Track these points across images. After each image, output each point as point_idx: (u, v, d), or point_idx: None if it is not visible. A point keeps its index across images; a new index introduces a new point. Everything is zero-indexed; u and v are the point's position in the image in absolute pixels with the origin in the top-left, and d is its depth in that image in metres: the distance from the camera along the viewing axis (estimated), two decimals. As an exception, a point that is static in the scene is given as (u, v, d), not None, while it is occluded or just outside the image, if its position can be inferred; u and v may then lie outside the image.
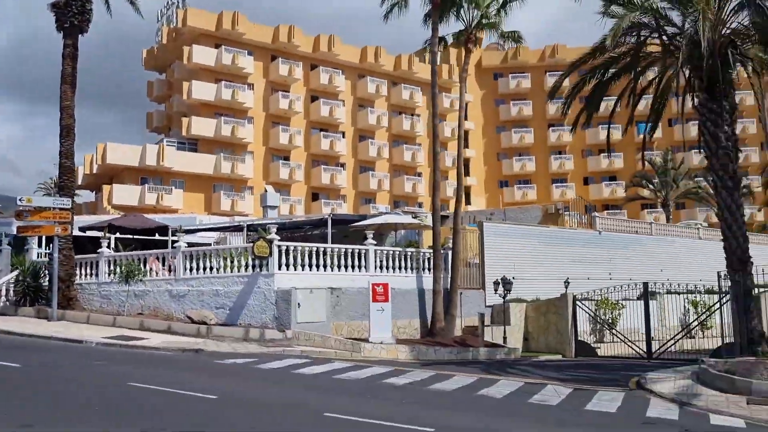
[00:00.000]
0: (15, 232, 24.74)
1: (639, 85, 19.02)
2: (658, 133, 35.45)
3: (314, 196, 56.27)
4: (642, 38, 17.99)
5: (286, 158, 54.83)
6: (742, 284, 15.81)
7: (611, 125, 20.04)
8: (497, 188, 67.61)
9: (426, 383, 14.15)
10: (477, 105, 67.28)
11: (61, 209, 21.85)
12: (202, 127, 50.33)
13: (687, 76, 17.60)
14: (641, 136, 42.29)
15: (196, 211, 44.88)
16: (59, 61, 23.58)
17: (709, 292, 26.41)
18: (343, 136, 58.13)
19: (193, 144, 50.95)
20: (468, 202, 60.56)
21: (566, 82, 22.26)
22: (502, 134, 68.43)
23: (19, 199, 21.51)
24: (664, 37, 17.61)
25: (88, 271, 23.74)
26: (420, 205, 58.56)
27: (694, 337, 25.69)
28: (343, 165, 57.95)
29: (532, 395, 13.11)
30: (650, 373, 16.10)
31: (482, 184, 67.25)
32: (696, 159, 58.78)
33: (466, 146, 60.32)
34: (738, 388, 13.35)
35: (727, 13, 16.68)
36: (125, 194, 46.22)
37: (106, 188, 47.01)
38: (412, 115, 62.52)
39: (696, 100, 17.66)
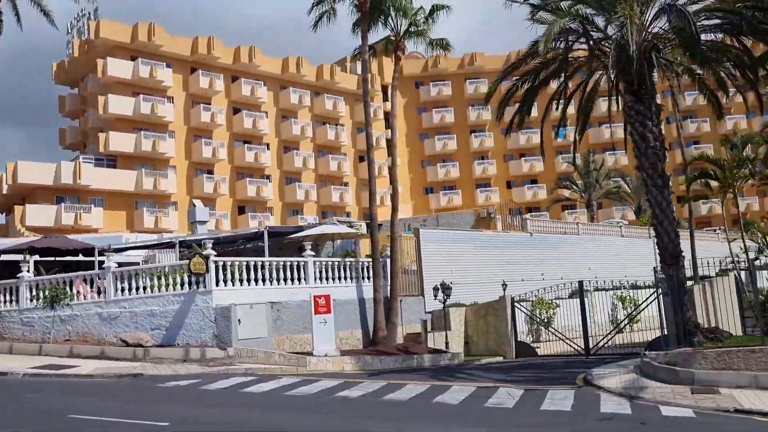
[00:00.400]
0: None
1: (568, 89, 19.54)
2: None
3: (240, 210, 55.19)
4: (570, 43, 18.48)
5: (210, 172, 53.58)
6: (675, 278, 16.41)
7: (532, 130, 20.51)
8: (423, 195, 68.26)
9: (379, 394, 13.95)
10: (400, 113, 67.64)
11: (-24, 233, 20.53)
12: (120, 142, 48.44)
13: (613, 79, 18.21)
14: (560, 140, 43.83)
15: (119, 230, 43.08)
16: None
17: (635, 287, 27.43)
18: (268, 148, 57.32)
19: (111, 160, 48.97)
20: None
21: (487, 87, 22.63)
22: (425, 141, 69.20)
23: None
24: (591, 42, 18.18)
25: (8, 297, 22.38)
26: (348, 215, 58.40)
27: (623, 331, 26.59)
28: (268, 177, 57.15)
29: (488, 399, 13.12)
30: (595, 369, 16.47)
31: (408, 191, 67.63)
32: (611, 160, 61.17)
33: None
34: (681, 378, 13.81)
35: (649, 18, 17.39)
36: (40, 215, 43.83)
37: (18, 209, 44.44)
38: (336, 125, 62.39)
39: (622, 102, 18.29)
